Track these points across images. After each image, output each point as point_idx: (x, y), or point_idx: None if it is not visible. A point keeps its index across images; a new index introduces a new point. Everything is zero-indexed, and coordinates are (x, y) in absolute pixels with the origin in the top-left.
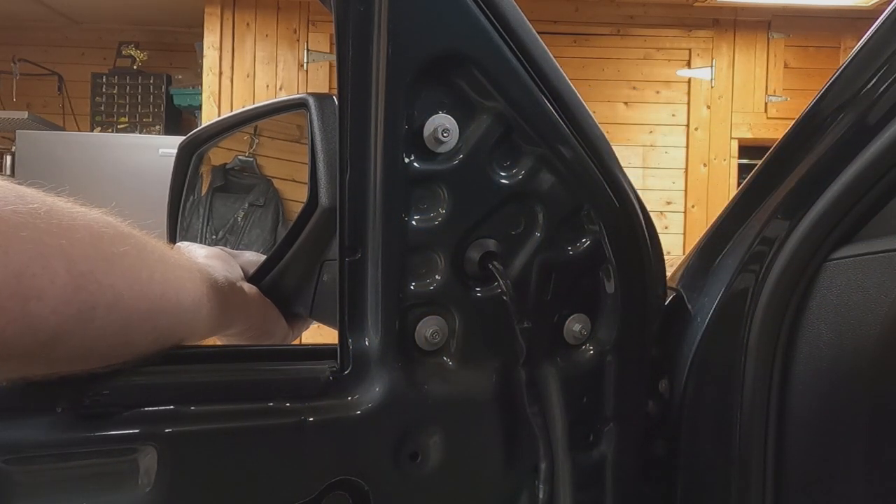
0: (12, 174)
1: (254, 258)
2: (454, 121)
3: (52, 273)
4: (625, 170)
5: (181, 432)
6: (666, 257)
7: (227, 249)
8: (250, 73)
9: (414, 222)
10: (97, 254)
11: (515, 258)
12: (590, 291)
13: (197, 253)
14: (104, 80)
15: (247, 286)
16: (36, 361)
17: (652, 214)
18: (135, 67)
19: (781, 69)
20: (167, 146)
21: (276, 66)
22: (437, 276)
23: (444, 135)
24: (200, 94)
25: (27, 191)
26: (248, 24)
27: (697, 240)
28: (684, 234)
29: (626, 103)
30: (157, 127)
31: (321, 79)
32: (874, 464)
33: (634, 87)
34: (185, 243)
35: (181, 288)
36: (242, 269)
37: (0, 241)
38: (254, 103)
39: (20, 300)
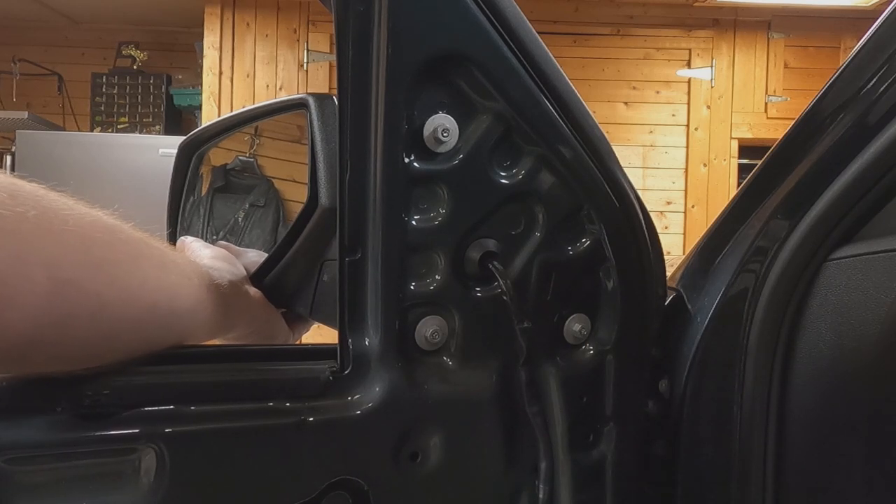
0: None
1: (257, 257)
2: (454, 121)
3: (32, 281)
4: (625, 170)
5: (181, 432)
6: (666, 257)
7: (231, 247)
8: (250, 73)
9: (414, 222)
10: (86, 260)
11: (515, 258)
12: (590, 291)
13: (202, 253)
14: (104, 80)
15: (251, 290)
16: (10, 364)
17: (652, 214)
18: (135, 67)
19: (781, 69)
20: (167, 146)
21: (276, 66)
22: (437, 276)
23: (444, 135)
24: (200, 94)
25: (23, 189)
26: (248, 24)
27: (697, 240)
28: (684, 234)
29: (626, 103)
30: (157, 127)
31: (321, 79)
32: (874, 464)
33: (634, 87)
34: (190, 239)
35: (176, 295)
36: (246, 268)
37: None
38: (254, 103)
39: None
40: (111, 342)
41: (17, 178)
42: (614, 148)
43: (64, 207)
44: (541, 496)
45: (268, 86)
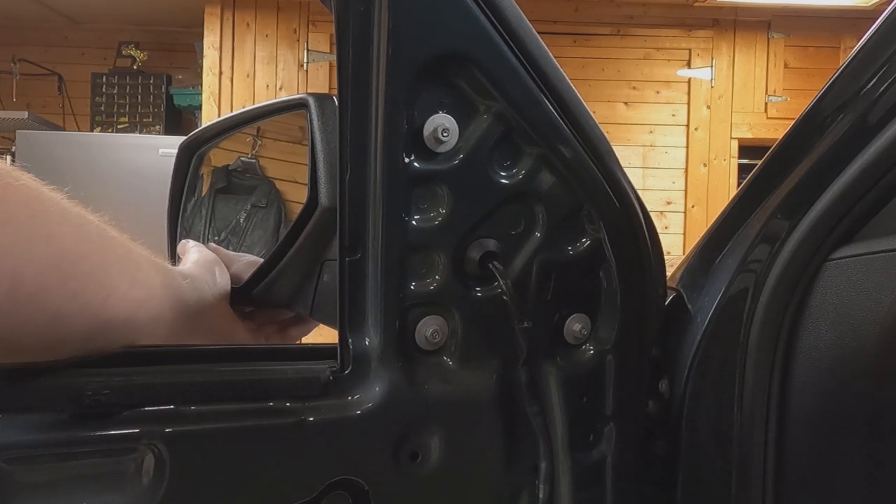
0: None
1: (251, 263)
2: (454, 120)
3: None
4: (625, 170)
5: (181, 432)
6: (666, 257)
7: (221, 251)
8: (250, 73)
9: (414, 222)
10: (54, 276)
11: (515, 258)
12: (590, 291)
13: (189, 258)
14: (104, 80)
15: (221, 304)
16: None
17: (652, 214)
18: (135, 67)
19: (781, 69)
20: (167, 146)
21: (276, 66)
22: (437, 276)
23: (444, 134)
24: (200, 94)
25: (16, 194)
26: (248, 24)
27: (697, 240)
28: (684, 234)
29: (626, 103)
30: (157, 127)
31: (321, 79)
32: (874, 464)
33: (634, 87)
34: (193, 243)
35: (138, 309)
36: (239, 274)
37: None
38: (254, 103)
39: None
40: (61, 346)
41: (14, 171)
42: (614, 148)
43: (54, 218)
44: (541, 496)
45: (268, 86)
